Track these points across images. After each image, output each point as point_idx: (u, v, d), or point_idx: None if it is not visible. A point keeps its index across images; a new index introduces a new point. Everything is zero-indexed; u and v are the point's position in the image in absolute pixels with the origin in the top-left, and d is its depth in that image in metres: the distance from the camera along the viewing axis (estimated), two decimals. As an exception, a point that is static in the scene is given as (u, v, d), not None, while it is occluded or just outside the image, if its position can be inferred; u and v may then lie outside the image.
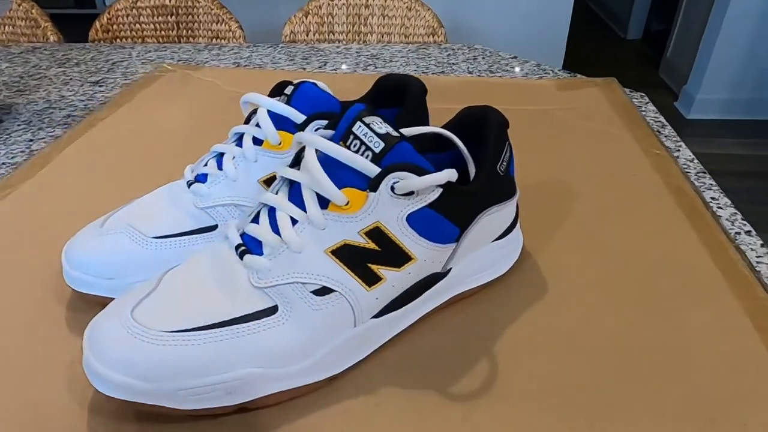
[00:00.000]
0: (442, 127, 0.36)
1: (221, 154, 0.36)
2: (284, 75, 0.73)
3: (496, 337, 0.32)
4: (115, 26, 1.37)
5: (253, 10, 1.80)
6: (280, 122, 0.34)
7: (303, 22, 1.34)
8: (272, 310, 0.27)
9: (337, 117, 0.33)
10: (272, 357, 0.27)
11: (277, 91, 0.37)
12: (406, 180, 0.28)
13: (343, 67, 0.95)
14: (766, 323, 0.31)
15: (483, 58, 1.08)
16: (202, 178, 0.35)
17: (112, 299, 0.32)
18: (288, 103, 0.34)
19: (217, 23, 1.40)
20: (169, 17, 1.43)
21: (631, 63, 3.10)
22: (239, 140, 0.36)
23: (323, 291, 0.28)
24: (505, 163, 0.33)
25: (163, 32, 1.43)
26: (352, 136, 0.29)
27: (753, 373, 0.28)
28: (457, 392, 0.28)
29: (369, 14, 1.36)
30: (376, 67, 0.99)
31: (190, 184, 0.35)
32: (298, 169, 0.31)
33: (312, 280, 0.27)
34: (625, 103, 0.58)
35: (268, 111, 0.34)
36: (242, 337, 0.26)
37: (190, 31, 1.44)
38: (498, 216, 0.33)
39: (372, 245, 0.28)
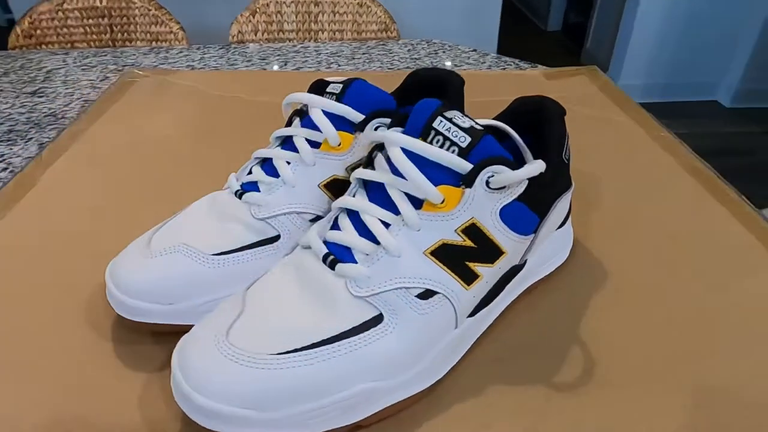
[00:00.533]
0: (494, 118, 0.36)
1: (264, 160, 0.34)
2: (269, 76, 0.70)
3: (576, 324, 0.32)
4: (38, 31, 1.26)
5: (189, 11, 1.71)
6: (335, 122, 0.32)
7: (251, 21, 1.29)
8: (377, 320, 0.26)
9: (401, 114, 0.32)
10: (385, 368, 0.25)
11: (315, 92, 0.36)
12: (502, 174, 0.27)
13: (306, 66, 0.93)
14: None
15: (444, 52, 1.09)
16: (250, 187, 0.33)
17: (168, 326, 0.29)
18: (339, 102, 0.33)
19: (156, 25, 1.32)
20: (100, 20, 1.33)
21: (553, 54, 3.26)
22: (284, 144, 0.34)
23: (426, 294, 0.27)
24: (567, 152, 0.33)
25: (94, 36, 1.33)
26: (433, 132, 0.28)
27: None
28: (561, 381, 0.28)
29: (319, 11, 1.33)
30: (339, 65, 0.98)
31: (239, 194, 0.32)
32: (373, 169, 0.29)
33: (415, 284, 0.26)
34: (614, 89, 0.61)
35: (323, 111, 0.32)
36: (354, 351, 0.25)
37: (125, 35, 1.34)
38: (563, 204, 0.34)
39: (468, 243, 0.27)
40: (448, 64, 1.03)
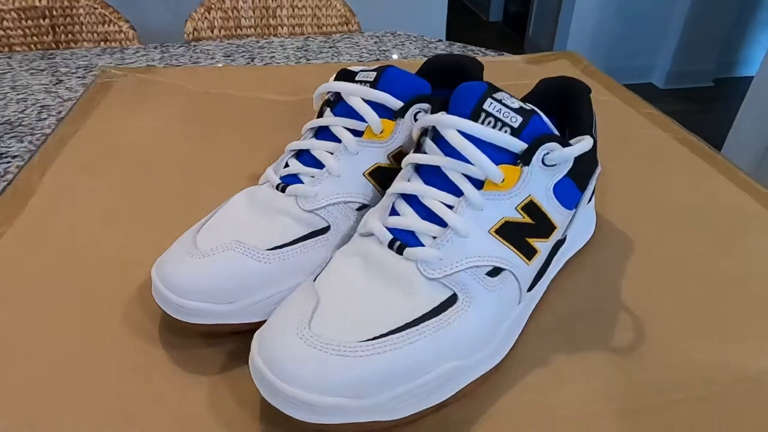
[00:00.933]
0: (521, 100, 0.37)
1: (299, 152, 0.33)
2: (254, 72, 0.68)
3: (614, 291, 0.34)
4: (-28, 35, 1.17)
5: (125, 10, 1.64)
6: (374, 110, 0.32)
7: (206, 17, 1.25)
8: (452, 300, 0.26)
9: (441, 99, 0.32)
10: (466, 346, 0.26)
11: (344, 81, 0.35)
12: (557, 151, 0.28)
13: (274, 62, 0.91)
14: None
15: (410, 42, 1.10)
16: (292, 180, 0.32)
17: (226, 326, 0.29)
18: (375, 89, 0.33)
19: (103, 24, 1.25)
20: (41, 20, 1.25)
21: (497, 43, 3.35)
22: (319, 135, 0.33)
23: (494, 272, 0.27)
24: (596, 128, 0.35)
25: (35, 38, 1.25)
26: (484, 114, 0.28)
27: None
28: (617, 345, 0.30)
29: (277, 6, 1.31)
30: (308, 60, 0.97)
31: (281, 187, 0.32)
32: (424, 153, 0.30)
33: (484, 262, 0.27)
34: (596, 72, 0.64)
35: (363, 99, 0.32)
36: (438, 332, 0.25)
37: (70, 36, 1.27)
38: (593, 180, 0.35)
39: (527, 219, 0.28)
40: (416, 52, 1.04)
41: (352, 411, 0.23)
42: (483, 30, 3.63)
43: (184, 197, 0.42)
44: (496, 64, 0.69)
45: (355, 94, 0.32)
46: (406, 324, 0.25)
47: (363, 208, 0.33)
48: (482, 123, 0.28)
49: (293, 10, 1.31)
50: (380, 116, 0.32)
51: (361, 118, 0.32)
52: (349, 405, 0.23)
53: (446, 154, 0.29)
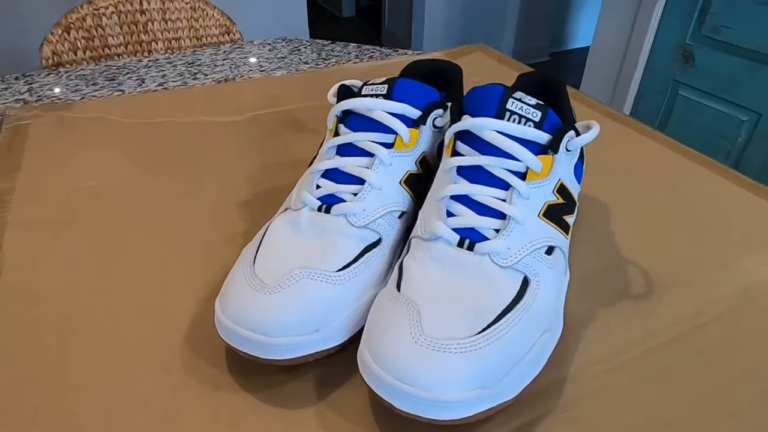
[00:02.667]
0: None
1: (326, 172, 0.34)
2: (177, 96, 0.64)
3: (615, 249, 0.39)
4: None
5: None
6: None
7: (66, 39, 1.13)
8: (526, 282, 0.29)
9: (456, 104, 0.35)
10: (549, 317, 0.29)
11: (343, 96, 0.36)
12: (576, 138, 0.32)
13: (169, 81, 0.87)
14: None
15: (305, 47, 1.11)
16: (332, 200, 0.33)
17: (313, 354, 0.29)
18: (390, 100, 0.34)
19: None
20: None
21: (357, 38, 3.43)
22: (343, 151, 0.34)
23: (549, 251, 0.31)
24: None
25: None
26: (508, 113, 0.32)
27: None
28: (637, 292, 0.36)
29: (147, 20, 1.21)
30: (205, 75, 0.94)
31: (325, 208, 0.32)
32: (460, 155, 0.32)
33: (543, 243, 0.30)
34: (510, 61, 0.71)
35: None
36: (528, 312, 0.28)
37: None
38: (577, 157, 0.40)
39: (561, 200, 0.32)
40: (314, 56, 1.05)
41: (484, 400, 0.25)
42: (339, 26, 3.68)
43: (164, 236, 0.40)
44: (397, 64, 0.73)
45: (377, 109, 0.34)
46: (503, 311, 0.27)
47: (402, 215, 0.34)
48: (509, 120, 0.32)
49: (166, 24, 1.23)
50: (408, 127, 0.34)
51: (387, 130, 0.34)
52: (481, 395, 0.25)
53: (484, 153, 0.32)
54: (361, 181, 0.33)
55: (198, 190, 0.46)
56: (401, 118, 0.34)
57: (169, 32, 1.24)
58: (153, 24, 1.22)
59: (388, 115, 0.33)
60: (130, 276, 0.36)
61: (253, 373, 0.30)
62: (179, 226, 0.41)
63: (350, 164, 0.33)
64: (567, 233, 0.33)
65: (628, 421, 0.28)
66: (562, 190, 0.32)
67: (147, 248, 0.39)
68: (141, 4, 1.20)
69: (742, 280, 0.37)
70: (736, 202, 0.44)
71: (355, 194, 0.33)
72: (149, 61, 1.01)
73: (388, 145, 0.34)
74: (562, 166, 0.32)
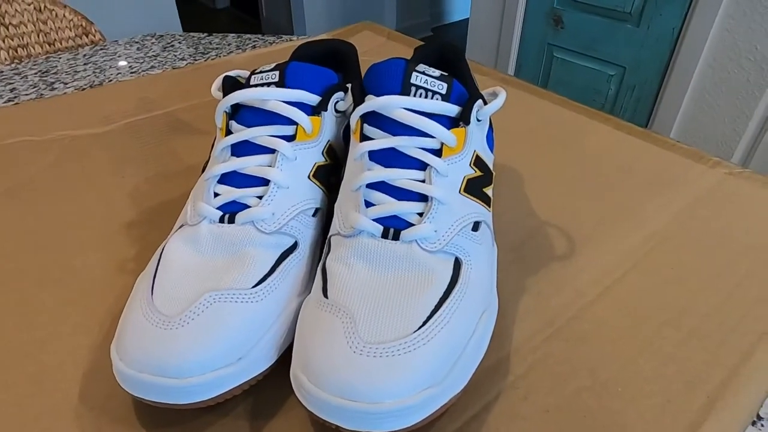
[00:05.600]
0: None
1: (223, 176, 0.30)
2: (28, 109, 0.55)
3: (537, 215, 0.39)
4: None
5: None
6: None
7: None
8: (458, 263, 0.28)
9: (357, 84, 0.32)
10: (485, 297, 0.28)
11: (230, 89, 0.32)
12: (484, 108, 0.31)
13: (22, 95, 0.76)
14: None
15: (179, 42, 1.02)
16: (235, 207, 0.29)
17: (241, 386, 0.26)
18: (285, 87, 0.31)
19: None
20: None
21: (233, 29, 3.27)
22: (237, 151, 0.30)
23: (476, 226, 0.30)
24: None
25: None
26: (414, 88, 0.30)
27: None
28: (562, 254, 0.36)
29: (-18, 27, 1.05)
30: (65, 83, 0.83)
31: (228, 218, 0.28)
32: (369, 139, 0.30)
33: (468, 220, 0.29)
34: (399, 36, 0.69)
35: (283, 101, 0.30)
36: (464, 296, 0.26)
37: None
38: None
39: (479, 173, 0.31)
40: (191, 51, 0.98)
41: (438, 397, 0.23)
42: (215, 18, 3.49)
43: (37, 273, 0.34)
44: (287, 49, 0.69)
45: (271, 98, 0.30)
46: (440, 301, 0.26)
47: (317, 212, 0.31)
48: (415, 95, 0.30)
49: (8, 29, 1.07)
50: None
51: (285, 122, 0.30)
52: (432, 394, 0.23)
53: (395, 134, 0.29)
54: (265, 182, 0.29)
55: (73, 216, 0.39)
56: (299, 106, 0.31)
57: (13, 39, 1.08)
58: (-9, 31, 1.06)
59: (285, 105, 0.30)
60: (21, 335, 0.30)
61: (173, 422, 0.26)
62: (55, 259, 0.35)
63: (250, 164, 0.30)
64: (489, 206, 0.32)
65: (575, 385, 0.27)
66: (478, 162, 0.31)
67: (17, 291, 0.32)
68: (-29, 8, 1.03)
69: (650, 225, 0.38)
70: (631, 150, 0.46)
71: (260, 197, 0.29)
72: (-7, 74, 0.87)
73: (289, 138, 0.30)
74: (475, 138, 0.31)
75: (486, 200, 0.31)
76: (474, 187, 0.30)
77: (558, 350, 0.29)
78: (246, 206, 0.29)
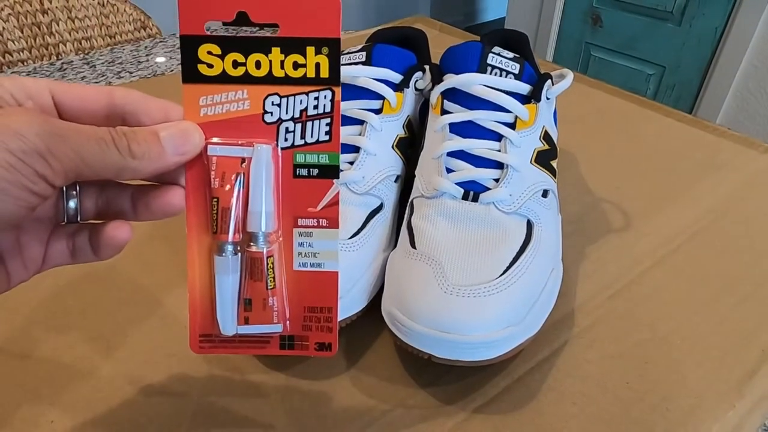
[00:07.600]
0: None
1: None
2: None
3: (596, 192, 0.42)
4: None
5: None
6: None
7: (-40, 48, 1.02)
8: (530, 225, 0.31)
9: (434, 65, 0.36)
10: (554, 254, 0.31)
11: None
12: (554, 86, 0.34)
13: (89, 84, 0.82)
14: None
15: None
16: (327, 171, 0.32)
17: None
18: (371, 66, 0.34)
19: None
20: None
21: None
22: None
23: (545, 193, 0.32)
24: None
25: None
26: (489, 68, 0.33)
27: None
28: (621, 226, 0.38)
29: (50, 20, 1.12)
30: (131, 73, 0.89)
31: (323, 180, 0.32)
32: (448, 113, 0.33)
33: (538, 188, 0.32)
34: (452, 29, 0.72)
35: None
36: (538, 251, 0.29)
37: None
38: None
39: (547, 146, 0.34)
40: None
41: (518, 335, 0.26)
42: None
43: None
44: (360, 37, 0.72)
45: (361, 75, 0.34)
46: (518, 253, 0.29)
47: (398, 179, 0.34)
48: (491, 74, 0.33)
49: (74, 23, 1.14)
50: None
51: (373, 96, 0.34)
52: (515, 331, 0.26)
53: (472, 109, 0.32)
54: (356, 149, 0.33)
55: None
56: (385, 82, 0.34)
57: (77, 32, 1.15)
58: (58, 24, 1.13)
59: (374, 81, 0.33)
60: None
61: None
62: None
63: (343, 133, 0.33)
64: (555, 177, 0.34)
65: (637, 337, 0.30)
66: (546, 136, 0.34)
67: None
68: (41, 3, 1.10)
69: (702, 204, 0.40)
70: (683, 136, 0.48)
71: (352, 163, 0.32)
72: (63, 63, 0.94)
73: (377, 111, 0.34)
74: (544, 114, 0.34)
75: (553, 172, 0.34)
76: (543, 159, 0.33)
77: (619, 308, 0.32)
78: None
